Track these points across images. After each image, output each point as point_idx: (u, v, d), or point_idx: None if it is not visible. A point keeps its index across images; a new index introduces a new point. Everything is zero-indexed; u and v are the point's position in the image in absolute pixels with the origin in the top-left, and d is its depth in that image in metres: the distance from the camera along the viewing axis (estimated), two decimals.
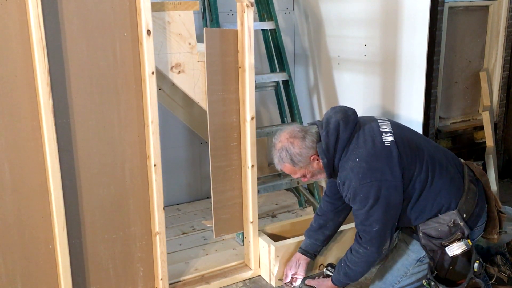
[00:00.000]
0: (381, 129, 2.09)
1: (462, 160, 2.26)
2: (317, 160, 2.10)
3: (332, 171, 2.11)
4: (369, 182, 1.98)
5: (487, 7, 3.46)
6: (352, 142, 2.05)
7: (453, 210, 2.05)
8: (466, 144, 3.56)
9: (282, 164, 2.13)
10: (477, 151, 3.58)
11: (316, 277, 2.41)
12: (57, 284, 2.14)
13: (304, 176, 2.17)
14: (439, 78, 3.24)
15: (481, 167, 2.27)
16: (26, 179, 2.00)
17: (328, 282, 2.29)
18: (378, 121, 2.15)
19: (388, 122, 2.15)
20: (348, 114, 2.11)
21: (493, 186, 3.39)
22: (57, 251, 2.10)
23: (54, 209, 2.04)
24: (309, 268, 2.51)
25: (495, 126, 3.62)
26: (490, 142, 3.46)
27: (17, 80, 1.90)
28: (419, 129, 2.80)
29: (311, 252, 2.47)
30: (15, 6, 1.84)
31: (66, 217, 2.08)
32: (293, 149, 2.07)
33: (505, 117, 3.70)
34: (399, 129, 2.14)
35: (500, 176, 3.71)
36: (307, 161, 2.09)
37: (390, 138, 2.05)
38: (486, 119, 3.45)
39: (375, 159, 2.00)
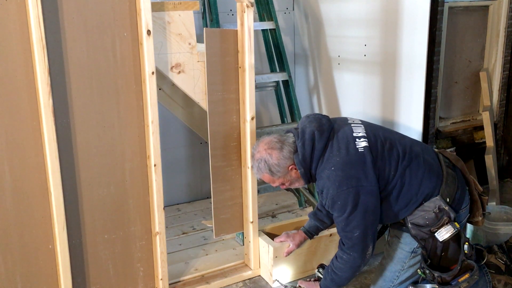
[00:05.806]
0: (354, 134, 2.12)
1: (436, 149, 2.31)
2: (295, 169, 2.15)
3: (309, 178, 2.16)
4: (346, 189, 2.02)
5: (487, 7, 3.46)
6: (327, 150, 2.09)
7: (436, 196, 2.08)
8: (466, 144, 3.56)
9: (260, 174, 2.19)
10: (477, 151, 3.58)
11: (308, 279, 2.44)
12: (57, 284, 2.14)
13: (283, 184, 2.22)
14: (439, 78, 3.24)
15: (455, 153, 2.31)
16: (26, 179, 2.00)
17: (317, 286, 2.32)
18: (352, 125, 2.17)
19: (362, 126, 2.18)
20: (322, 122, 2.14)
21: (493, 186, 3.39)
22: (57, 251, 2.10)
23: (54, 209, 2.05)
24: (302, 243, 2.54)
25: (495, 126, 3.62)
26: (490, 142, 3.46)
27: (17, 80, 1.90)
28: (419, 129, 2.80)
29: (313, 233, 2.52)
30: (15, 6, 1.84)
31: (66, 217, 2.08)
32: (271, 160, 2.12)
33: (505, 117, 3.70)
34: (372, 131, 2.17)
35: (500, 176, 3.70)
36: (285, 171, 2.15)
37: (364, 144, 2.08)
38: (486, 119, 3.45)
39: (350, 166, 2.04)
